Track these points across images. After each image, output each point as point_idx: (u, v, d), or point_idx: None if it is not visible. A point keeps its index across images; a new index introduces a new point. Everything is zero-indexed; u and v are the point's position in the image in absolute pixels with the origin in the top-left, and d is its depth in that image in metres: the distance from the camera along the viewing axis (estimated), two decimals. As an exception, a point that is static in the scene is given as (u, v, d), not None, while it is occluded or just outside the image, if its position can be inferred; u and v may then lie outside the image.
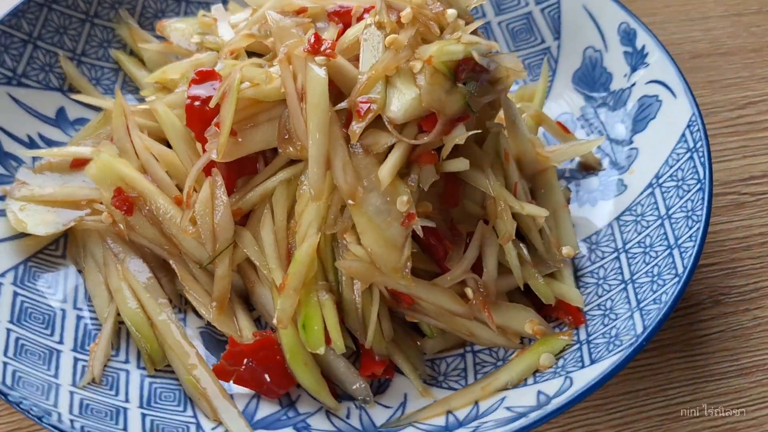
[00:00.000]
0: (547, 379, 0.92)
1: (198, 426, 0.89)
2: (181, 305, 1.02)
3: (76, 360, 0.93)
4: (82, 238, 1.03)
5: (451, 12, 0.98)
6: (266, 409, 0.93)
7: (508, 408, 0.89)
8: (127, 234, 1.00)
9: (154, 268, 1.02)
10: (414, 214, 0.90)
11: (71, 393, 0.87)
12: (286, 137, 0.96)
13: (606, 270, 1.05)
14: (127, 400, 0.90)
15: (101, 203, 1.02)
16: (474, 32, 1.00)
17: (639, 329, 0.91)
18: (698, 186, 1.02)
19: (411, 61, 0.94)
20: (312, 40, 0.95)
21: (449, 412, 0.92)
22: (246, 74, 0.96)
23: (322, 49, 0.94)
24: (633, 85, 1.20)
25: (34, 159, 1.10)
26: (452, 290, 0.97)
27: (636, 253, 1.03)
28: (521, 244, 1.02)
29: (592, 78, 1.28)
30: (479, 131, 0.96)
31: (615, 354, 0.89)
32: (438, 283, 0.96)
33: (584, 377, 0.88)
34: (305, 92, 0.92)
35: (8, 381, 0.83)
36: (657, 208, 1.06)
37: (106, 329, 0.96)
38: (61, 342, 0.94)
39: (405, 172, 0.94)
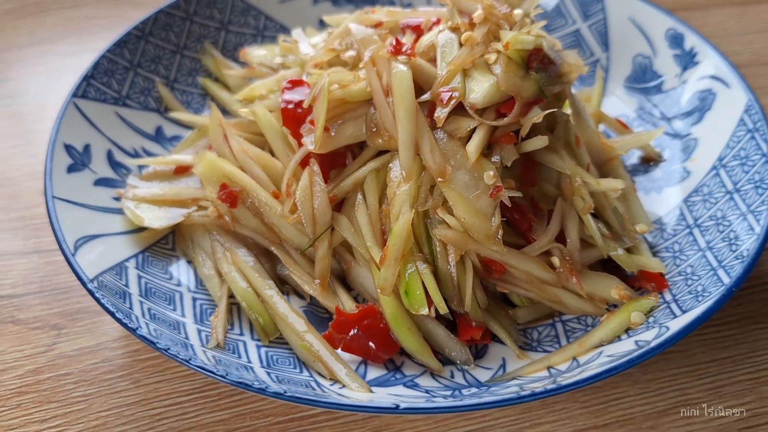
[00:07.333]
0: (641, 332, 0.96)
1: (317, 383, 0.94)
2: (283, 289, 1.08)
3: (199, 330, 0.99)
4: (189, 233, 1.11)
5: (518, 11, 1.07)
6: (374, 373, 0.98)
7: (609, 355, 0.92)
8: (232, 225, 1.08)
9: (257, 255, 1.09)
10: (501, 187, 0.97)
11: (204, 351, 0.93)
12: (374, 130, 1.05)
13: (680, 244, 1.10)
14: (249, 362, 0.96)
15: (206, 200, 1.11)
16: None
17: (726, 280, 0.95)
18: (763, 159, 1.08)
19: (485, 54, 1.03)
20: (393, 44, 1.05)
21: (549, 367, 0.96)
22: (334, 77, 1.06)
23: (403, 50, 1.04)
24: (685, 83, 1.28)
25: (140, 168, 1.19)
26: (540, 259, 1.02)
27: (708, 226, 1.08)
28: (598, 223, 1.08)
29: (643, 81, 1.36)
30: (554, 110, 1.04)
31: (706, 302, 0.93)
32: (526, 251, 1.02)
33: (679, 323, 0.92)
34: (391, 87, 1.01)
35: (153, 334, 0.90)
36: (724, 186, 1.11)
37: (221, 306, 1.03)
38: (183, 315, 1.01)
39: (488, 153, 1.01)
